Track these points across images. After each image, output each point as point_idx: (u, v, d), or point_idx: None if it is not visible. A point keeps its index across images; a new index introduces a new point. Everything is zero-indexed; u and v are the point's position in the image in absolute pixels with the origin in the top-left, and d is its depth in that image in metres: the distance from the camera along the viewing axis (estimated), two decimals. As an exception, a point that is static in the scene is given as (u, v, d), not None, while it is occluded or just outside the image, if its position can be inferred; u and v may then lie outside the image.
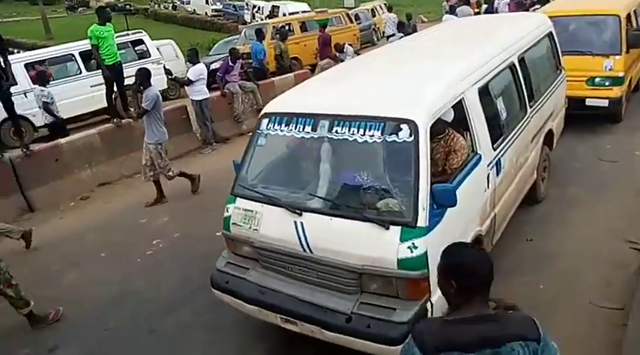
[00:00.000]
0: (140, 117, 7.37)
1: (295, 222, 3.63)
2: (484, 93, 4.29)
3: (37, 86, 9.46)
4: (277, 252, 3.76)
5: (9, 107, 8.12)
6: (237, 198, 4.03)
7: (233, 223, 4.00)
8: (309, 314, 3.53)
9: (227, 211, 4.08)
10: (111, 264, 5.94)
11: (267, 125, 4.07)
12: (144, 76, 7.18)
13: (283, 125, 3.96)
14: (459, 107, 3.95)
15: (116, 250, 6.24)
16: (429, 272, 3.31)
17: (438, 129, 3.89)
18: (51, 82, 9.99)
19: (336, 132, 3.69)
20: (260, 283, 3.81)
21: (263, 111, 4.25)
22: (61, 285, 5.45)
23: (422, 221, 3.31)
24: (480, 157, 4.04)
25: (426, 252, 3.28)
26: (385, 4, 23.82)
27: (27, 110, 10.90)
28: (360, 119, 3.63)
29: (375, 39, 21.98)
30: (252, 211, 3.90)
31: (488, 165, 4.12)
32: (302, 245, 3.61)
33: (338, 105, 3.86)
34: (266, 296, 3.74)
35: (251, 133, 4.32)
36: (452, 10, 13.55)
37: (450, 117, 3.93)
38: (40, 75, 9.82)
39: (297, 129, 3.88)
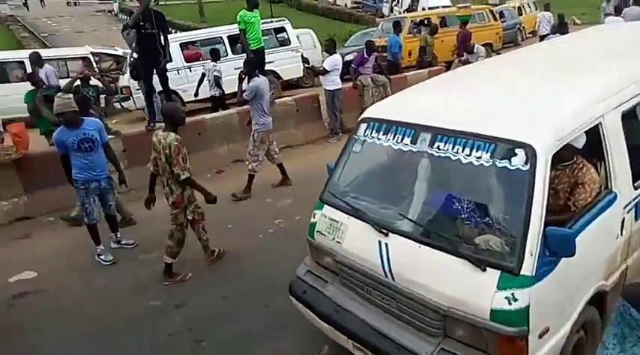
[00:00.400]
0: (241, 105, 7.12)
1: (380, 242, 3.01)
2: (630, 117, 3.23)
3: (210, 62, 10.19)
4: (357, 271, 3.17)
5: (164, 82, 8.31)
6: (325, 206, 3.48)
7: (318, 231, 3.47)
8: (383, 347, 2.93)
9: (314, 217, 3.55)
10: (235, 237, 5.90)
11: (365, 131, 3.44)
12: (251, 66, 6.87)
13: (381, 133, 3.31)
14: (593, 131, 2.98)
15: (241, 224, 6.21)
16: (529, 331, 2.51)
17: (565, 155, 2.99)
18: (200, 62, 10.20)
19: (438, 148, 2.96)
20: (336, 300, 3.26)
21: (362, 116, 3.61)
22: (189, 250, 5.39)
23: (527, 269, 2.52)
24: (615, 196, 3.02)
25: (527, 307, 2.50)
26: (535, 2, 21.37)
27: (178, 86, 11.29)
28: (466, 136, 2.86)
29: (520, 39, 19.75)
30: (337, 221, 3.34)
31: (624, 207, 3.08)
32: (384, 269, 2.99)
33: (443, 117, 3.08)
34: (339, 316, 3.18)
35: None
36: (617, 12, 10.89)
37: (580, 142, 2.99)
38: (214, 52, 10.46)
39: (396, 139, 3.20)
